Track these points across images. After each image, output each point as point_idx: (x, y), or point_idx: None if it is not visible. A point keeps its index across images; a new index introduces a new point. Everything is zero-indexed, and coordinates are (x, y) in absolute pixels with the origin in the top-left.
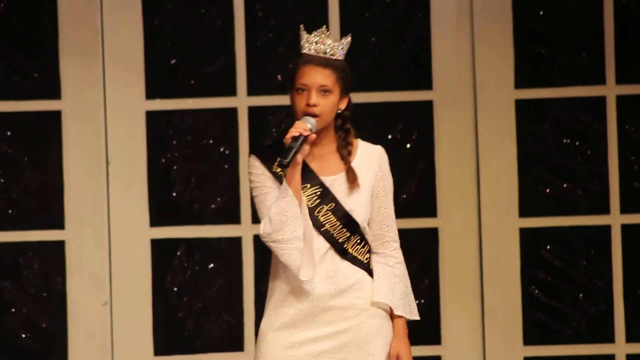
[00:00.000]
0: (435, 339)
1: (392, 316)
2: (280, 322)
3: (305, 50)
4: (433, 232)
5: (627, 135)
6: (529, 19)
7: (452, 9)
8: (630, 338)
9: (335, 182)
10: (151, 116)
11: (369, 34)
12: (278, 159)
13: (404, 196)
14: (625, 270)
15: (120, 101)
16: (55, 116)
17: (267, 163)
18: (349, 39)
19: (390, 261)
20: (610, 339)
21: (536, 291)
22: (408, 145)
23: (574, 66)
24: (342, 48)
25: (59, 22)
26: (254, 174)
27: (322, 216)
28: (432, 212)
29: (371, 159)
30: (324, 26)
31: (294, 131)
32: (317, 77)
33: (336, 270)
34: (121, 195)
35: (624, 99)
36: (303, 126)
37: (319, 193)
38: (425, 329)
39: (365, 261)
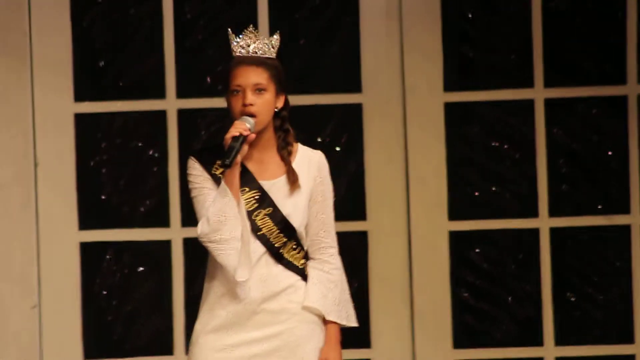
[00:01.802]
0: (365, 343)
1: (324, 322)
2: (212, 324)
3: (236, 53)
4: (362, 235)
5: (555, 138)
6: (458, 21)
7: (381, 12)
8: (559, 341)
9: (274, 186)
10: (80, 118)
11: (298, 36)
12: (220, 160)
13: (334, 199)
14: (554, 274)
15: (48, 103)
16: None
17: (207, 165)
18: (277, 36)
19: (326, 267)
20: (539, 342)
21: (465, 294)
22: (337, 148)
23: (502, 69)
24: (272, 46)
25: None
26: (193, 175)
27: (259, 220)
28: (361, 215)
29: (310, 163)
30: (251, 26)
31: (233, 131)
32: (250, 77)
33: (269, 274)
34: (50, 198)
35: (552, 102)
36: (242, 126)
37: (257, 197)
38: (354, 332)
39: (300, 266)
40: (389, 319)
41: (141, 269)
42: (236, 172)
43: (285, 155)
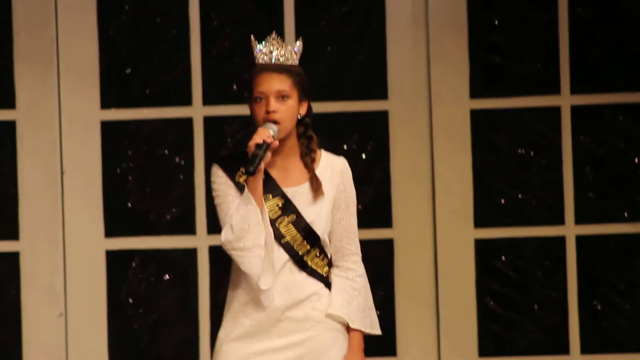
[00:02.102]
0: (391, 351)
1: (348, 329)
2: (236, 332)
3: (259, 60)
4: (388, 243)
5: (582, 145)
6: (484, 28)
7: (408, 19)
8: (585, 349)
9: (297, 193)
10: (106, 126)
11: (324, 43)
12: (244, 167)
13: (359, 207)
14: (580, 281)
15: (75, 111)
16: (10, 126)
17: (230, 172)
18: (299, 43)
19: (350, 274)
20: (565, 350)
21: (491, 302)
22: (363, 156)
23: (529, 76)
24: (294, 53)
25: (13, 31)
26: (217, 182)
27: (283, 227)
28: (387, 222)
29: (333, 170)
30: (274, 33)
31: (257, 138)
32: (273, 84)
33: (293, 281)
34: (76, 205)
35: (578, 109)
36: (266, 133)
37: (280, 204)
38: (380, 340)
39: (324, 274)
40: (414, 327)
41: (167, 276)
42: (259, 179)
43: (309, 162)
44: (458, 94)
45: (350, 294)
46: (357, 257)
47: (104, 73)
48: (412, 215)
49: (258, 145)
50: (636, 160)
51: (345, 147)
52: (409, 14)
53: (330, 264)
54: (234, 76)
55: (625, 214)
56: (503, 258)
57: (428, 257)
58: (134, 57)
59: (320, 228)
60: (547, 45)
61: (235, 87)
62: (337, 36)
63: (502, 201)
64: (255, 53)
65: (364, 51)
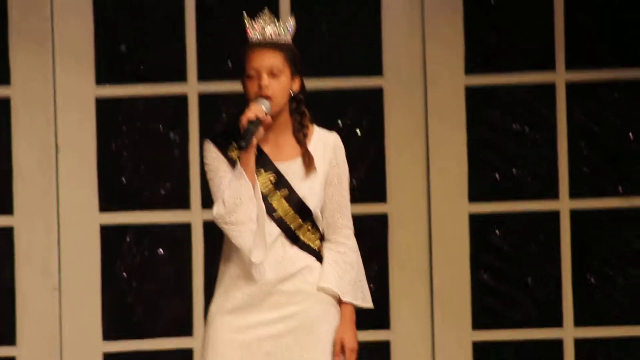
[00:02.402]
0: (384, 324)
1: (340, 302)
2: (228, 306)
3: (251, 37)
4: (382, 218)
5: (577, 121)
6: (479, 5)
7: None
8: (579, 322)
9: (290, 168)
10: (101, 102)
11: (319, 22)
12: (236, 142)
13: (354, 182)
14: (574, 255)
15: (70, 88)
16: (5, 103)
17: (222, 148)
18: (292, 20)
19: (341, 248)
20: (558, 322)
21: (485, 276)
22: (358, 131)
23: (523, 52)
24: (287, 29)
25: (8, 8)
26: (209, 157)
27: (275, 202)
28: (381, 197)
29: (326, 145)
30: (266, 9)
31: (249, 114)
32: (265, 60)
33: (285, 255)
34: (70, 181)
35: (573, 85)
36: (258, 109)
37: (272, 179)
38: (374, 313)
39: (316, 248)
40: (408, 300)
41: (161, 251)
42: (252, 154)
43: (301, 138)
44: (453, 70)
45: (342, 268)
46: (350, 231)
47: (98, 50)
48: (406, 190)
49: (250, 121)
50: (630, 135)
51: (340, 122)
52: None
53: (322, 238)
54: (229, 53)
55: (619, 188)
56: (497, 232)
57: (422, 231)
58: (129, 34)
59: (312, 203)
60: (542, 21)
61: (230, 63)
62: (333, 14)
63: (497, 176)
64: (247, 30)
65: (359, 29)
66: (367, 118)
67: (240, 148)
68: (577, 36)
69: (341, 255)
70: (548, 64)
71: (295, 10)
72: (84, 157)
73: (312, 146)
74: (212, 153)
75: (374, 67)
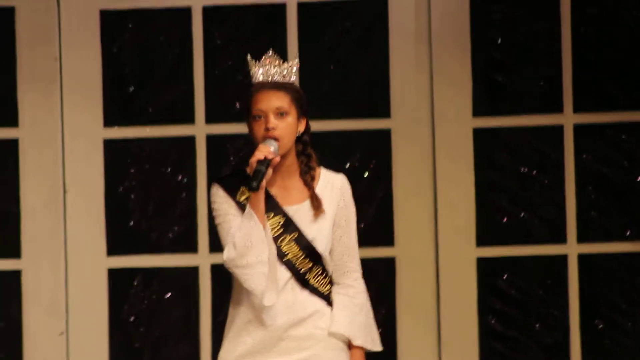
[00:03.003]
0: None
1: (350, 346)
2: (238, 351)
3: (256, 78)
4: (390, 261)
5: (584, 164)
6: (487, 47)
7: (411, 37)
8: None
9: (298, 212)
10: (109, 144)
11: (327, 61)
12: (247, 184)
13: (362, 225)
14: (582, 300)
15: (78, 128)
16: (13, 144)
17: (231, 191)
18: (296, 60)
19: (350, 291)
20: None
21: (493, 321)
22: (366, 174)
23: (531, 94)
24: (291, 70)
25: (17, 48)
26: (217, 202)
27: (284, 246)
28: (389, 241)
29: (333, 187)
30: (271, 50)
31: (259, 154)
32: (271, 101)
33: (295, 300)
34: (78, 223)
35: (581, 127)
36: (267, 149)
37: (281, 222)
38: (382, 358)
39: (325, 292)
40: (416, 345)
41: (169, 295)
42: (261, 196)
43: (309, 180)
44: (461, 112)
45: (352, 311)
46: (358, 274)
47: (106, 91)
48: (414, 233)
49: (260, 162)
50: (639, 178)
51: (347, 165)
52: (412, 31)
53: (331, 282)
54: (237, 95)
55: (628, 232)
56: (505, 276)
57: (430, 275)
58: (137, 75)
59: (321, 245)
60: (550, 63)
61: (238, 105)
62: (340, 53)
63: (504, 219)
64: (252, 71)
65: (367, 69)
66: (375, 160)
67: (251, 189)
68: (585, 78)
69: (350, 299)
70: (556, 106)
71: (302, 51)
72: (92, 199)
73: (319, 188)
74: (221, 197)
75: (382, 108)
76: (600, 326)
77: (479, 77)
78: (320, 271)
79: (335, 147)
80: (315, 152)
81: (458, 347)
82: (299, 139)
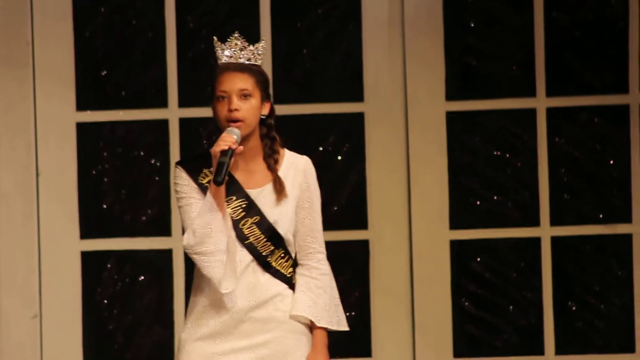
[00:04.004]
0: (366, 351)
1: (313, 327)
2: (200, 333)
3: (221, 60)
4: (364, 244)
5: (557, 147)
6: (460, 31)
7: (384, 21)
8: (560, 350)
9: (261, 194)
10: (82, 128)
11: (300, 46)
12: (212, 178)
13: (335, 208)
14: (555, 282)
15: (50, 112)
16: None
17: (193, 174)
18: (263, 43)
19: (314, 273)
20: (540, 351)
21: (466, 303)
22: (339, 158)
23: (504, 78)
24: (257, 53)
25: None
26: (179, 184)
27: (246, 229)
28: (363, 224)
29: (297, 169)
30: (237, 32)
31: (222, 144)
32: (235, 82)
33: (257, 282)
34: (51, 207)
35: (554, 111)
36: (230, 139)
37: (244, 206)
38: (355, 341)
39: (288, 275)
40: (390, 327)
41: (142, 277)
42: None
43: (272, 164)
44: (434, 96)
45: (315, 293)
46: (322, 255)
47: (79, 75)
48: (388, 216)
49: (223, 152)
50: (611, 162)
51: (321, 148)
52: (385, 16)
53: (294, 265)
54: (210, 78)
55: (601, 215)
56: (478, 259)
57: (404, 258)
58: (110, 60)
59: (283, 228)
60: (523, 47)
61: (210, 89)
62: (313, 38)
63: (478, 202)
64: (217, 53)
65: (340, 53)
66: (348, 144)
67: (216, 183)
68: (557, 62)
69: (313, 280)
70: (529, 90)
71: (276, 35)
72: (65, 182)
73: (283, 171)
74: (183, 180)
75: (355, 92)
76: (574, 308)
77: (452, 61)
78: (283, 254)
79: (309, 131)
80: (279, 135)
81: (432, 329)
82: (263, 122)
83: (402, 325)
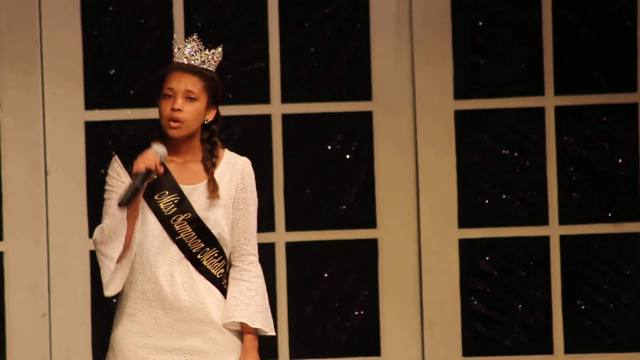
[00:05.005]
0: (375, 350)
1: (244, 331)
2: (135, 329)
3: (175, 58)
4: (373, 243)
5: (566, 146)
6: (469, 30)
7: (392, 20)
8: (569, 349)
9: (195, 192)
10: (90, 126)
11: (308, 44)
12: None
13: (344, 207)
14: (564, 281)
15: (59, 111)
16: None
17: (128, 166)
18: (220, 50)
19: (245, 275)
20: (548, 349)
21: (475, 302)
22: (348, 156)
23: (512, 77)
24: (213, 58)
25: None
26: (110, 176)
27: (177, 225)
28: (371, 223)
29: (234, 169)
30: (195, 35)
31: (141, 164)
32: (183, 83)
33: (193, 283)
34: (60, 205)
35: (562, 109)
36: (154, 159)
37: (176, 201)
38: (364, 340)
39: (218, 275)
40: (399, 326)
41: None
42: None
43: (209, 166)
44: (442, 94)
45: (246, 296)
46: (254, 257)
47: (87, 73)
48: (396, 215)
49: (139, 175)
50: (620, 160)
51: (329, 147)
52: (393, 15)
53: (227, 265)
54: (219, 76)
55: (609, 214)
56: (487, 258)
57: (412, 257)
58: (118, 58)
59: (217, 227)
60: (531, 46)
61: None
62: (321, 37)
63: (486, 201)
64: (174, 51)
65: (348, 52)
66: (357, 142)
67: (119, 204)
68: (565, 60)
69: (245, 283)
70: (537, 88)
71: (284, 33)
72: (74, 181)
73: (220, 170)
74: (115, 172)
75: (364, 91)
76: (583, 307)
77: (461, 60)
78: (217, 253)
79: (317, 130)
80: (221, 140)
81: (441, 328)
82: (206, 127)
83: (411, 324)
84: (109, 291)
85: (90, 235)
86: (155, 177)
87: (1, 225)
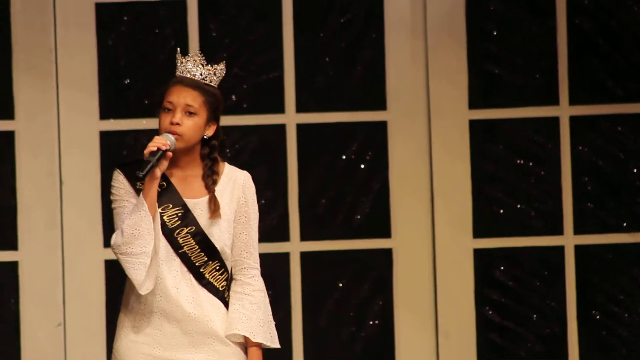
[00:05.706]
0: None
1: (247, 344)
2: (139, 340)
3: (178, 72)
4: (387, 253)
5: (580, 156)
6: (483, 38)
7: (406, 30)
8: (584, 359)
9: (198, 206)
10: (105, 136)
11: (323, 54)
12: (135, 172)
13: (358, 217)
14: (579, 291)
15: (74, 121)
16: (9, 136)
17: (131, 179)
18: (222, 66)
19: (247, 289)
20: (564, 359)
21: (490, 312)
22: (362, 166)
23: (527, 86)
24: (215, 74)
25: (12, 42)
26: (115, 187)
27: (181, 238)
28: (386, 232)
29: (235, 183)
30: (199, 50)
31: (151, 145)
32: (183, 97)
33: (197, 296)
34: (75, 215)
35: (577, 119)
36: (162, 141)
37: (180, 214)
38: (379, 350)
39: (220, 288)
40: (414, 336)
41: None
42: (154, 186)
43: (210, 184)
44: (456, 104)
45: (249, 309)
46: (256, 271)
47: (102, 83)
48: (411, 225)
49: (152, 152)
50: (635, 170)
51: (344, 157)
52: (408, 25)
53: (229, 278)
54: (233, 87)
55: (624, 223)
56: (502, 268)
57: (427, 267)
58: (133, 68)
59: (220, 241)
60: (546, 56)
61: (234, 97)
62: (336, 46)
63: (501, 211)
64: (177, 65)
65: (363, 61)
66: (371, 152)
67: (136, 178)
68: (580, 70)
69: (247, 297)
70: (552, 98)
71: (298, 43)
72: (88, 191)
73: (221, 185)
74: (120, 184)
75: (378, 101)
76: (597, 317)
77: (475, 70)
78: (219, 266)
79: (331, 139)
80: (222, 155)
81: (455, 338)
82: (206, 143)
83: (426, 334)
84: (145, 289)
85: (106, 244)
86: (165, 160)
87: (16, 235)
